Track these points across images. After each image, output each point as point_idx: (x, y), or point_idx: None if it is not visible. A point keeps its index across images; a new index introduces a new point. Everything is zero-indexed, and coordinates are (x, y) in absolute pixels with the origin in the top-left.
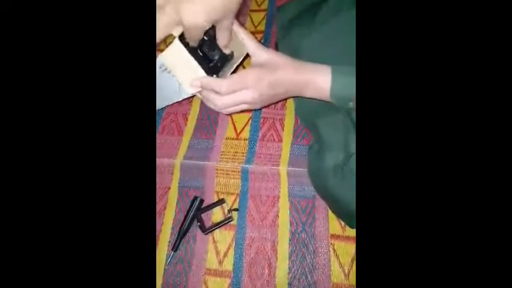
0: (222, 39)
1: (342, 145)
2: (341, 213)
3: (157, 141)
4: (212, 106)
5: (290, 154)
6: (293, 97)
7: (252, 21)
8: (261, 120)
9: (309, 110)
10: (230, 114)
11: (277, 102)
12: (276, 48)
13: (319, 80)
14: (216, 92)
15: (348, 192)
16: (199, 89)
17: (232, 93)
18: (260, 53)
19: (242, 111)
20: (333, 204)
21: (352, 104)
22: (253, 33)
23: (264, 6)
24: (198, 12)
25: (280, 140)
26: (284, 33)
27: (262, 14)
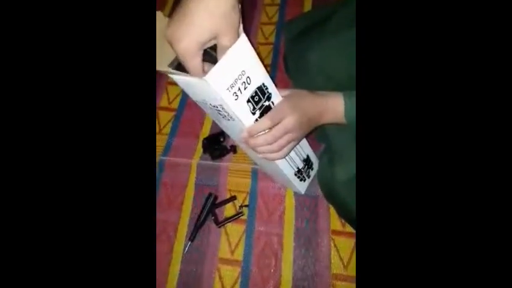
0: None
1: (354, 158)
2: (346, 216)
3: (176, 143)
4: (266, 148)
5: None
6: (316, 127)
7: (263, 33)
8: None
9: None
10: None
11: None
12: (285, 61)
13: (335, 104)
14: (262, 131)
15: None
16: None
17: (278, 123)
18: (281, 90)
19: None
20: (340, 208)
21: None
22: (264, 44)
23: (275, 19)
24: (185, 35)
25: None
26: (292, 47)
27: (272, 27)
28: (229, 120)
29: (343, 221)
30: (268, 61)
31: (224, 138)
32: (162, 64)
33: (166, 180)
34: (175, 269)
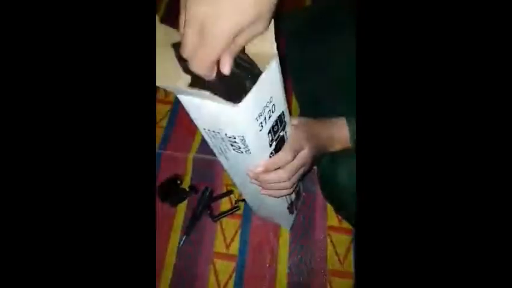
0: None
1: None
2: (346, 216)
3: (173, 137)
4: (278, 185)
5: None
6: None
7: None
8: None
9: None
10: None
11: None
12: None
13: (340, 133)
14: (281, 166)
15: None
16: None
17: (296, 155)
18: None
19: None
20: (341, 209)
21: None
22: None
23: None
24: (224, 14)
25: None
26: (294, 41)
27: None
28: (240, 153)
29: (340, 217)
30: None
31: (181, 181)
32: (163, 79)
33: (162, 174)
34: (170, 262)
